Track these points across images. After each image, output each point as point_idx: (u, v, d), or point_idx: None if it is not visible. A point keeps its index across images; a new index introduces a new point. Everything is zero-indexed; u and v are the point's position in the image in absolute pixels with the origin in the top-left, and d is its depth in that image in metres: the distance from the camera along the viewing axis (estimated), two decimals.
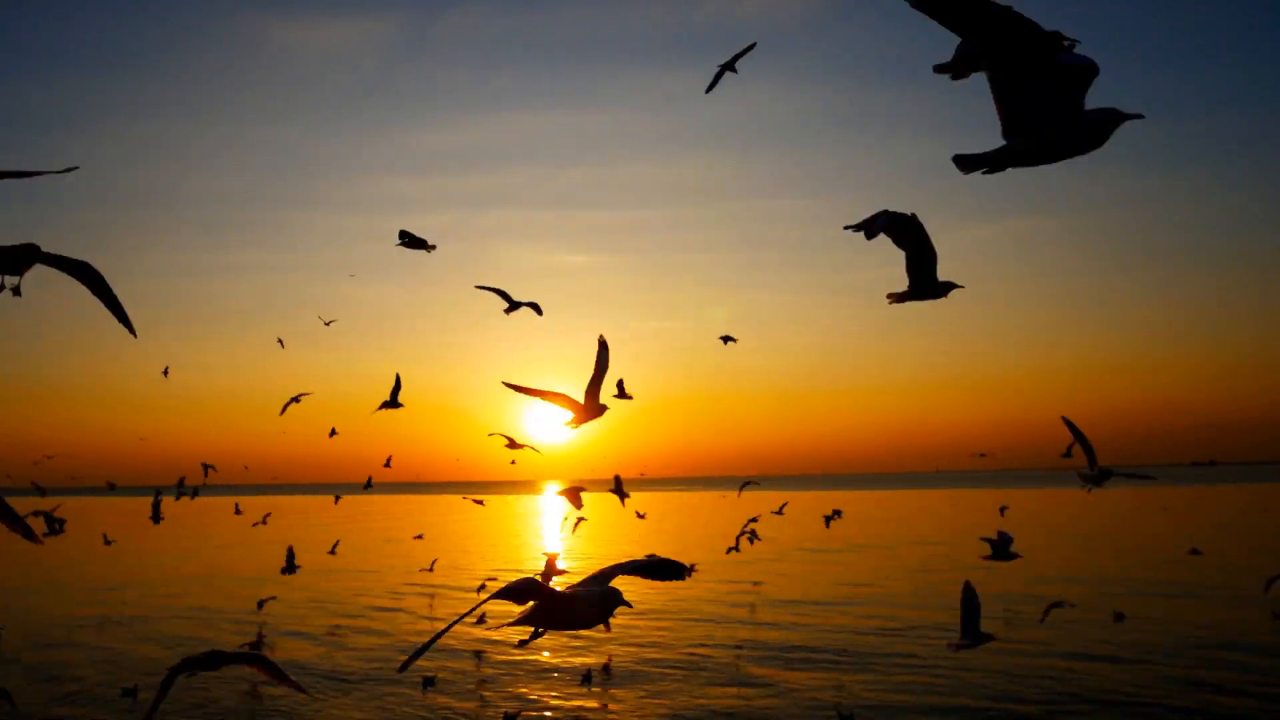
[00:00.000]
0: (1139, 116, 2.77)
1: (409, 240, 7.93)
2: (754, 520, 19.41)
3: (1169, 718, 11.02)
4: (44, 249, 3.35)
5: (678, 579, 3.68)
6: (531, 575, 3.37)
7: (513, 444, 9.11)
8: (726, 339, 12.20)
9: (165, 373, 15.93)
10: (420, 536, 37.36)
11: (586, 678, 13.35)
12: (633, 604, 3.43)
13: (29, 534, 3.29)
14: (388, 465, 17.16)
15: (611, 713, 11.91)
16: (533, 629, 3.58)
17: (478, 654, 15.12)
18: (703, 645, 15.72)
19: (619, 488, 10.37)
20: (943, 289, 4.11)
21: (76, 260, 3.46)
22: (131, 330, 3.73)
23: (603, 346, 5.53)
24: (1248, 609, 17.54)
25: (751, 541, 20.00)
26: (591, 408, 5.50)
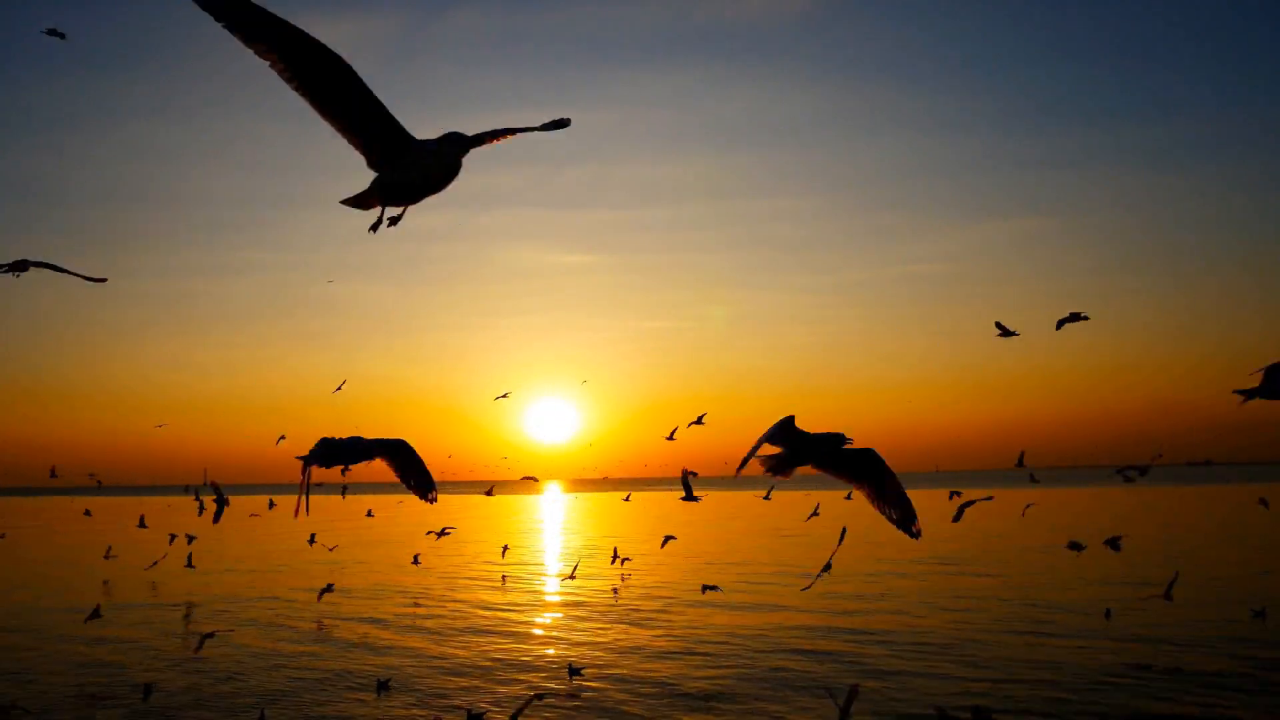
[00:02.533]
0: None
1: None
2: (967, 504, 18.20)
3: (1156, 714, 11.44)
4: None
5: None
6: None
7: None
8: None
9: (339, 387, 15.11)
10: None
11: (574, 670, 13.43)
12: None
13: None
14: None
15: (573, 709, 12.03)
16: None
17: (438, 643, 15.54)
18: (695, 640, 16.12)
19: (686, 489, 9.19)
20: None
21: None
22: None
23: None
24: (1230, 607, 18.01)
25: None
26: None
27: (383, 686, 12.84)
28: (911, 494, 4.59)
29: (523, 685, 13.14)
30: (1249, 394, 4.27)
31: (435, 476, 5.12)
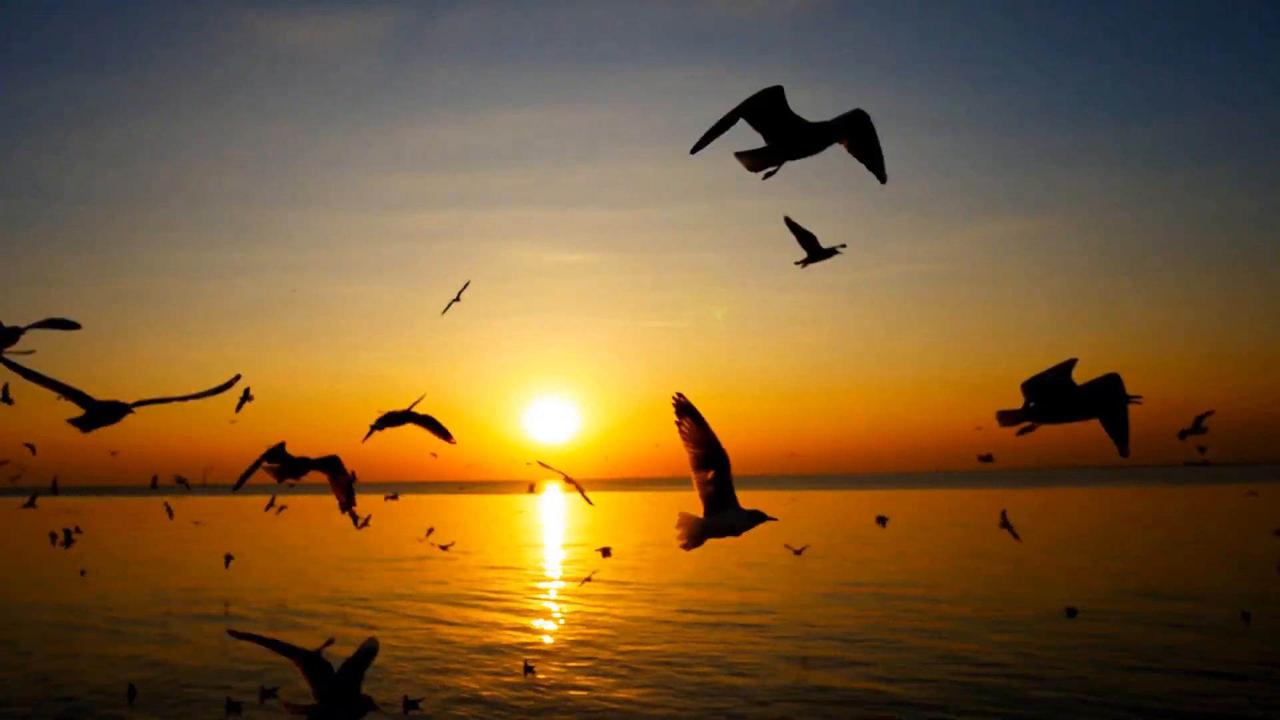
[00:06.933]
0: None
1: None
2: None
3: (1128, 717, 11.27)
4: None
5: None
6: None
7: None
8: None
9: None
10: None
11: (528, 669, 13.26)
12: None
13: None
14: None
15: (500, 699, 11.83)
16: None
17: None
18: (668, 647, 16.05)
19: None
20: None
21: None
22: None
23: None
24: (1215, 606, 17.88)
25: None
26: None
27: (268, 694, 10.51)
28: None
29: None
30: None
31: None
